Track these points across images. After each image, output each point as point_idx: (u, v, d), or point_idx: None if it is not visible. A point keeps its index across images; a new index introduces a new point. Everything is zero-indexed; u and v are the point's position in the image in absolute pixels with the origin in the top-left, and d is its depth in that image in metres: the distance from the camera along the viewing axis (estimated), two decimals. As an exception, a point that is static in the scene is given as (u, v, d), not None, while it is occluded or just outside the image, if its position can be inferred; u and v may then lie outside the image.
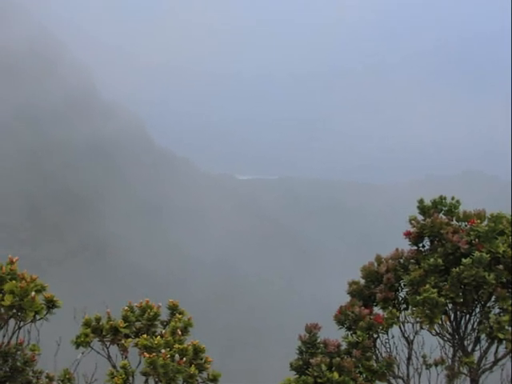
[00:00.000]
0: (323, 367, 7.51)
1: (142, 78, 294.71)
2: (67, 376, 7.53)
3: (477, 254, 7.62)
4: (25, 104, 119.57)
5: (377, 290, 8.30)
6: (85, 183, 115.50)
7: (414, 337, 8.16)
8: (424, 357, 8.20)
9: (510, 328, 7.54)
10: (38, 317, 7.03)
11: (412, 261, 8.27)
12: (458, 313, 8.10)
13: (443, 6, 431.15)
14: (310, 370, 7.60)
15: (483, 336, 7.89)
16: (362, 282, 8.53)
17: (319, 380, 7.49)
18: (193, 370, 7.01)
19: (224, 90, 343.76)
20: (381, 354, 8.10)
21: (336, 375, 7.45)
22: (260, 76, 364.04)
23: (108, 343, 7.67)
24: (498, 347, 7.82)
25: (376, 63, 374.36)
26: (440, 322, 7.95)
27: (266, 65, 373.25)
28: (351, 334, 8.04)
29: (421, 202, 8.54)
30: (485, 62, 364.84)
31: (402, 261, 8.39)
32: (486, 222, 8.08)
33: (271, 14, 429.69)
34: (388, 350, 8.12)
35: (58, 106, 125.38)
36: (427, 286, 7.71)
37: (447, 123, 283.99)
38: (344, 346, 7.97)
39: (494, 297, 7.80)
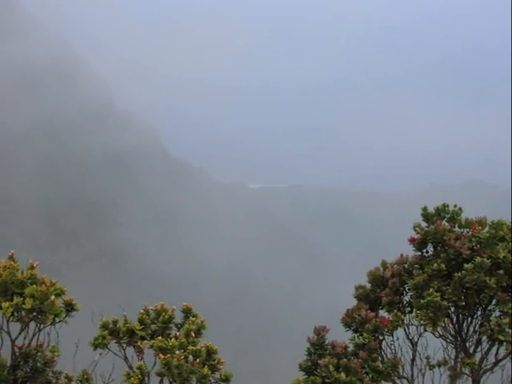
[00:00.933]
0: (331, 368, 7.70)
1: (157, 90, 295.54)
2: (85, 376, 7.65)
3: (478, 259, 7.81)
4: (45, 115, 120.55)
5: (382, 293, 8.51)
6: (102, 192, 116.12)
7: (418, 339, 8.35)
8: (428, 358, 8.40)
9: (510, 330, 7.73)
10: (57, 319, 7.10)
11: (416, 266, 8.45)
12: (461, 316, 8.29)
13: (446, 22, 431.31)
14: (318, 370, 7.79)
15: (484, 338, 8.08)
16: (368, 286, 8.73)
17: (327, 380, 7.67)
18: (206, 370, 7.17)
19: (235, 102, 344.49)
20: (386, 356, 8.30)
21: (343, 375, 7.64)
22: (268, 88, 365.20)
23: (124, 345, 7.83)
24: (498, 349, 8.02)
25: (381, 76, 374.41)
26: (443, 325, 8.13)
27: (274, 78, 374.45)
28: (358, 336, 8.23)
29: (424, 209, 8.74)
30: (486, 74, 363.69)
31: (406, 266, 8.59)
32: (486, 229, 8.27)
33: (279, 29, 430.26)
34: (393, 351, 8.32)
35: (77, 118, 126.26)
36: (431, 290, 7.91)
37: (449, 134, 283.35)
38: (351, 348, 8.17)
39: (494, 300, 8.00)
